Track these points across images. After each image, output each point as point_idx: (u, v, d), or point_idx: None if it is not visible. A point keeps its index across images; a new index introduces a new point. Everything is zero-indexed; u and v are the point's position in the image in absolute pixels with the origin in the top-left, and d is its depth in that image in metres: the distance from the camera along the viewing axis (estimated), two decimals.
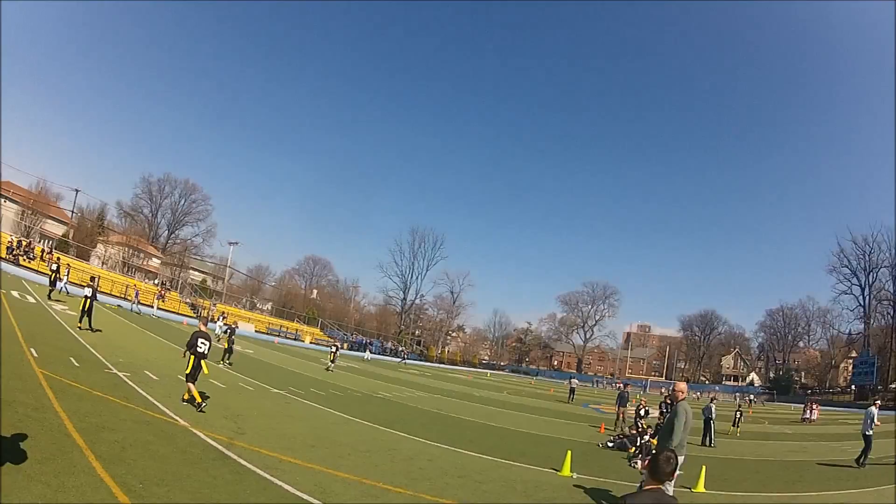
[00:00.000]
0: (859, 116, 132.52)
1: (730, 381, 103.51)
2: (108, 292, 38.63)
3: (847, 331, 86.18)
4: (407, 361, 61.85)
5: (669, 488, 6.12)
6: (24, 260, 37.33)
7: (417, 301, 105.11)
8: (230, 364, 19.28)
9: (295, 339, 56.79)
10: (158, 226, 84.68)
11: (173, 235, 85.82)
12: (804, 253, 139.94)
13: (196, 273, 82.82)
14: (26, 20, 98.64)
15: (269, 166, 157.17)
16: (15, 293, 23.06)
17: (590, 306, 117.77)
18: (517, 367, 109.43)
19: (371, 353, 56.07)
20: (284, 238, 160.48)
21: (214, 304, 54.60)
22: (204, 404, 10.24)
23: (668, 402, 18.17)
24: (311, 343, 56.78)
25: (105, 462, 5.93)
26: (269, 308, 79.93)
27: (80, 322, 18.10)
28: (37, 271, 35.45)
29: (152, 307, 38.81)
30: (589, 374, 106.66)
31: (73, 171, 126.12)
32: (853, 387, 72.57)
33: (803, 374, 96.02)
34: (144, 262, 70.79)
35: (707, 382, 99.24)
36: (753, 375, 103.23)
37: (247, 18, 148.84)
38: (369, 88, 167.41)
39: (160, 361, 15.36)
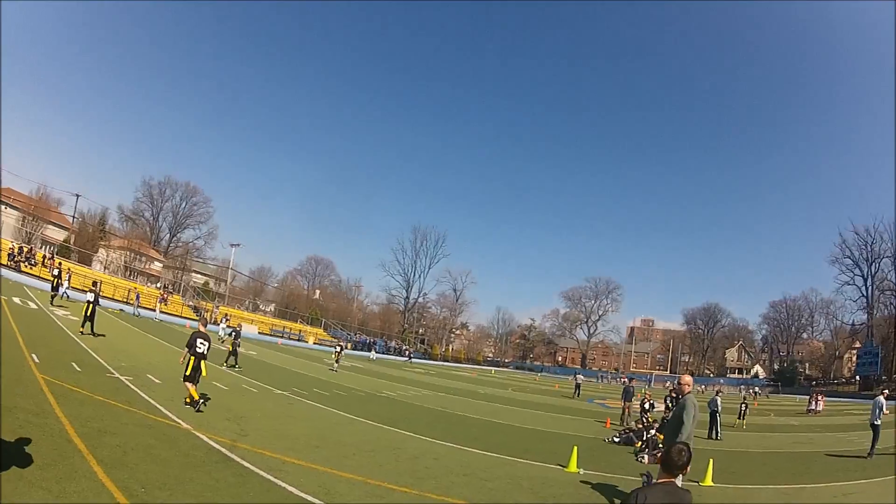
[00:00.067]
0: (860, 113, 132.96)
1: (734, 373, 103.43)
2: (111, 297, 38.65)
3: (850, 321, 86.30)
4: (413, 360, 61.91)
5: (678, 482, 6.04)
6: (26, 266, 37.35)
7: (420, 299, 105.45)
8: (235, 367, 19.12)
9: (298, 340, 56.81)
10: (160, 229, 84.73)
11: (175, 238, 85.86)
12: (807, 244, 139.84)
13: (198, 276, 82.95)
14: (26, 20, 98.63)
15: (270, 167, 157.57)
16: (16, 299, 23.05)
17: (593, 301, 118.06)
18: (521, 364, 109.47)
19: (376, 352, 56.13)
20: (286, 239, 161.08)
21: (217, 307, 54.63)
22: (201, 403, 10.23)
23: (674, 395, 18.08)
24: (314, 343, 56.82)
25: (106, 466, 5.87)
26: (272, 309, 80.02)
27: (83, 327, 18.05)
28: (38, 277, 35.50)
29: (154, 310, 38.82)
30: (593, 369, 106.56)
31: (74, 176, 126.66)
32: (857, 377, 72.39)
33: (807, 365, 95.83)
34: (146, 266, 70.90)
35: (711, 375, 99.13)
36: (758, 368, 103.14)
37: (246, 18, 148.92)
38: (369, 88, 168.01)
39: (163, 365, 15.30)
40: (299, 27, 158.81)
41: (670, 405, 18.65)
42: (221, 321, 38.86)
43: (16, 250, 38.47)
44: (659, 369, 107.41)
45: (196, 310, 51.08)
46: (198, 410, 9.97)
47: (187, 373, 10.39)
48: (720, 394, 20.82)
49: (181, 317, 44.07)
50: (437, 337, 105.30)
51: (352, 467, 7.89)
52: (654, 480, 3.67)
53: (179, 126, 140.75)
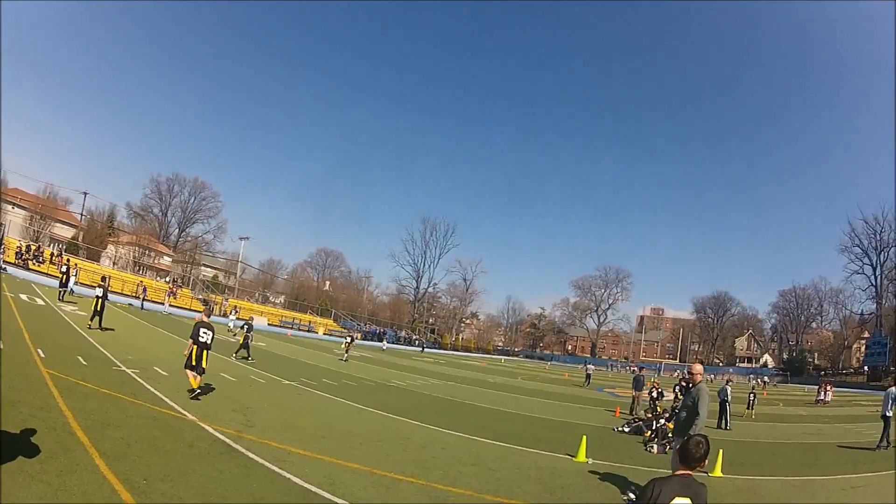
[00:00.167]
0: (865, 107, 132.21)
1: (743, 362, 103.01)
2: (120, 292, 38.87)
3: (860, 311, 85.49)
4: (426, 350, 62.09)
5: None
6: (34, 264, 37.61)
7: (430, 289, 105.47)
8: (248, 359, 18.93)
9: (308, 331, 56.98)
10: (169, 224, 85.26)
11: (184, 233, 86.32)
12: (816, 232, 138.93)
13: (208, 269, 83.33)
14: (26, 20, 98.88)
15: (279, 160, 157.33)
16: (24, 296, 23.16)
17: (603, 290, 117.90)
18: (531, 353, 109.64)
19: (387, 342, 56.33)
20: (296, 231, 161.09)
21: (226, 299, 54.86)
22: (198, 391, 10.23)
23: (684, 384, 17.94)
24: (324, 334, 57.03)
25: (109, 459, 5.81)
26: (282, 301, 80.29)
27: (91, 321, 18.11)
28: (47, 274, 35.73)
29: (163, 304, 39.00)
30: (603, 358, 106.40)
31: (81, 176, 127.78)
32: (866, 367, 71.88)
33: (816, 355, 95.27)
34: (155, 261, 71.26)
35: (721, 364, 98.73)
36: (767, 357, 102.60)
37: (249, 14, 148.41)
38: (378, 78, 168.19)
39: (171, 357, 15.24)
40: (303, 22, 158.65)
41: (679, 394, 18.53)
42: (231, 313, 38.98)
43: (24, 248, 38.74)
44: (668, 358, 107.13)
45: (206, 304, 51.28)
46: (193, 398, 9.99)
47: (194, 363, 10.40)
48: (730, 383, 20.63)
49: (190, 310, 44.25)
50: (447, 326, 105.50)
51: (358, 457, 7.82)
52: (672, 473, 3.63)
53: (185, 123, 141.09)
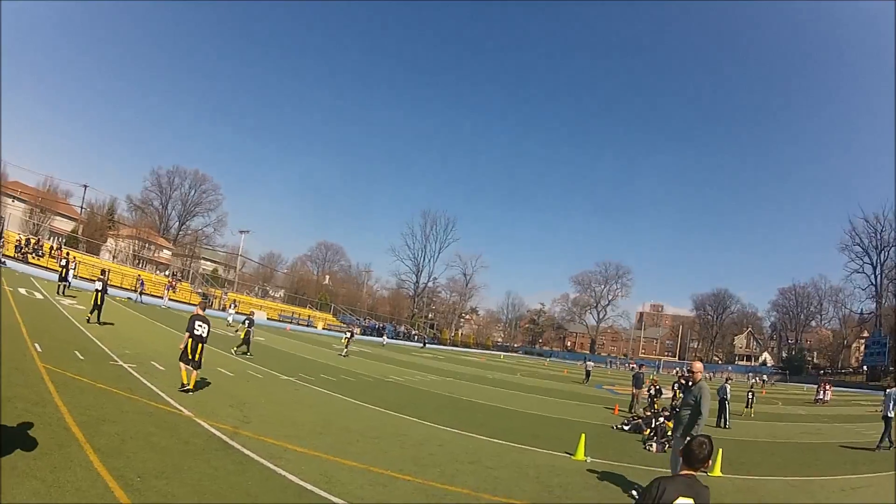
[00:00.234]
0: (865, 107, 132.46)
1: (743, 360, 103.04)
2: (119, 285, 38.79)
3: (859, 310, 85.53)
4: (427, 345, 62.11)
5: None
6: (33, 257, 37.54)
7: (430, 284, 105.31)
8: (247, 355, 18.89)
9: (307, 326, 56.92)
10: (169, 217, 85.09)
11: (184, 226, 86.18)
12: (816, 230, 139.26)
13: (208, 263, 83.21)
14: (26, 20, 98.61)
15: (279, 154, 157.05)
16: (22, 290, 23.09)
17: (602, 286, 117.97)
18: (530, 349, 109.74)
19: (387, 337, 56.27)
20: (296, 225, 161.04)
21: (226, 293, 54.79)
22: (188, 386, 10.20)
23: (683, 381, 17.90)
24: (323, 329, 56.93)
25: (103, 455, 5.76)
26: (282, 295, 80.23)
27: (91, 315, 18.05)
28: (46, 268, 35.66)
29: (162, 298, 38.93)
30: (602, 354, 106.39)
31: (81, 167, 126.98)
32: (865, 367, 71.90)
33: (815, 354, 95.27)
34: (155, 254, 71.16)
35: (720, 362, 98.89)
36: (766, 355, 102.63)
37: (248, 11, 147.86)
38: (378, 72, 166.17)
39: (168, 352, 15.12)
40: (301, 19, 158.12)
41: (679, 392, 18.49)
42: (230, 307, 38.89)
43: (23, 242, 38.67)
44: (667, 355, 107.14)
45: (206, 297, 51.22)
46: (182, 390, 9.98)
47: (190, 357, 10.36)
48: (730, 381, 20.60)
49: (190, 304, 44.18)
50: (446, 322, 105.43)
51: (355, 454, 7.77)
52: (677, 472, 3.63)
53: (185, 116, 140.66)
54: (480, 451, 9.31)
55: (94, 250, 52.84)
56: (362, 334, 58.26)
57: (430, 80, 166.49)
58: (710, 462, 3.87)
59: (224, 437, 7.47)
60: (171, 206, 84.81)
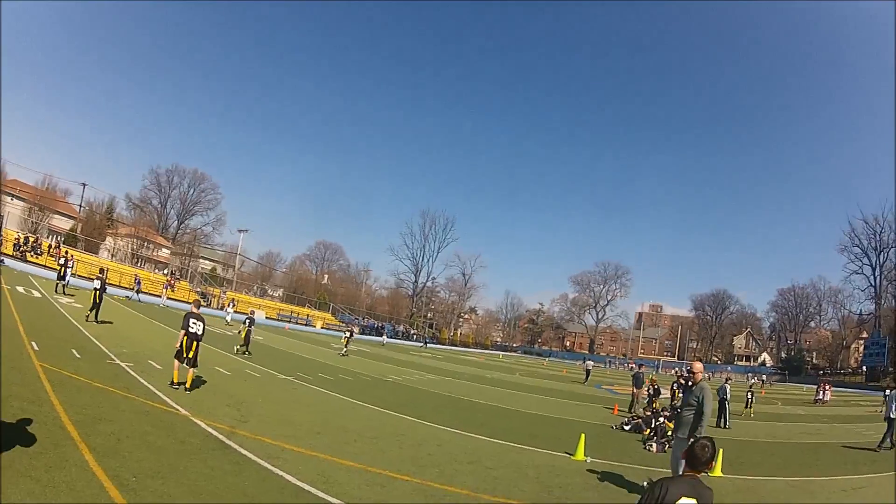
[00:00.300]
0: (865, 107, 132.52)
1: (742, 361, 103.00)
2: (118, 284, 38.67)
3: (858, 311, 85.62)
4: (428, 345, 62.11)
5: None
6: (32, 256, 37.44)
7: (429, 284, 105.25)
8: (246, 354, 18.82)
9: (306, 325, 56.86)
10: (168, 216, 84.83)
11: (183, 225, 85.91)
12: (816, 231, 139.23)
13: (206, 262, 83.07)
14: (26, 20, 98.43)
15: (278, 152, 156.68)
16: (20, 288, 22.99)
17: (602, 286, 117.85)
18: (529, 349, 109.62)
19: (387, 336, 56.19)
20: (295, 224, 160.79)
21: (224, 292, 54.70)
22: (184, 384, 10.16)
23: (682, 381, 17.87)
24: (322, 328, 56.88)
25: (99, 455, 5.70)
26: (280, 294, 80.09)
27: (89, 313, 17.98)
28: (44, 266, 35.56)
29: (160, 297, 38.80)
30: (601, 354, 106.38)
31: (80, 165, 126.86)
32: (864, 368, 71.98)
33: (814, 354, 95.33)
34: (154, 253, 71.04)
35: (719, 363, 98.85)
36: (765, 356, 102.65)
37: (248, 10, 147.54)
38: (378, 71, 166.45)
39: (165, 351, 15.03)
40: (300, 18, 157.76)
41: (678, 392, 18.45)
42: (228, 306, 38.77)
43: (21, 240, 38.56)
44: (667, 355, 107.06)
45: (205, 296, 51.13)
46: (170, 385, 9.97)
47: (185, 355, 10.30)
48: (729, 381, 20.56)
49: (188, 302, 44.00)
50: (445, 321, 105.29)
51: (353, 454, 7.72)
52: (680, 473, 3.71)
53: (185, 118, 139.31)
54: (479, 451, 9.26)
55: (92, 249, 52.78)
56: (361, 333, 58.20)
57: (430, 80, 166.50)
58: (713, 463, 3.89)
59: (221, 437, 7.42)
60: (170, 205, 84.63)
